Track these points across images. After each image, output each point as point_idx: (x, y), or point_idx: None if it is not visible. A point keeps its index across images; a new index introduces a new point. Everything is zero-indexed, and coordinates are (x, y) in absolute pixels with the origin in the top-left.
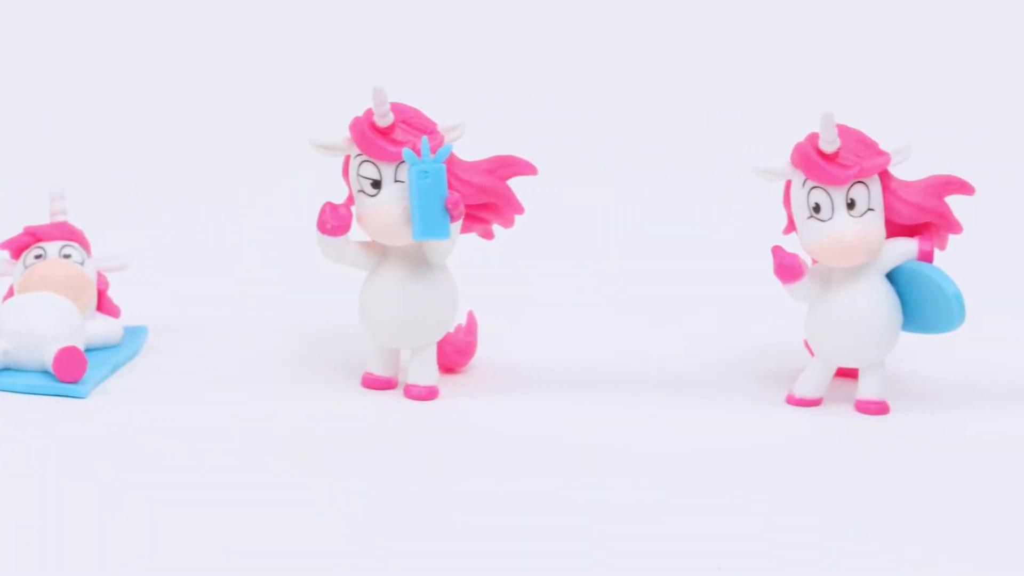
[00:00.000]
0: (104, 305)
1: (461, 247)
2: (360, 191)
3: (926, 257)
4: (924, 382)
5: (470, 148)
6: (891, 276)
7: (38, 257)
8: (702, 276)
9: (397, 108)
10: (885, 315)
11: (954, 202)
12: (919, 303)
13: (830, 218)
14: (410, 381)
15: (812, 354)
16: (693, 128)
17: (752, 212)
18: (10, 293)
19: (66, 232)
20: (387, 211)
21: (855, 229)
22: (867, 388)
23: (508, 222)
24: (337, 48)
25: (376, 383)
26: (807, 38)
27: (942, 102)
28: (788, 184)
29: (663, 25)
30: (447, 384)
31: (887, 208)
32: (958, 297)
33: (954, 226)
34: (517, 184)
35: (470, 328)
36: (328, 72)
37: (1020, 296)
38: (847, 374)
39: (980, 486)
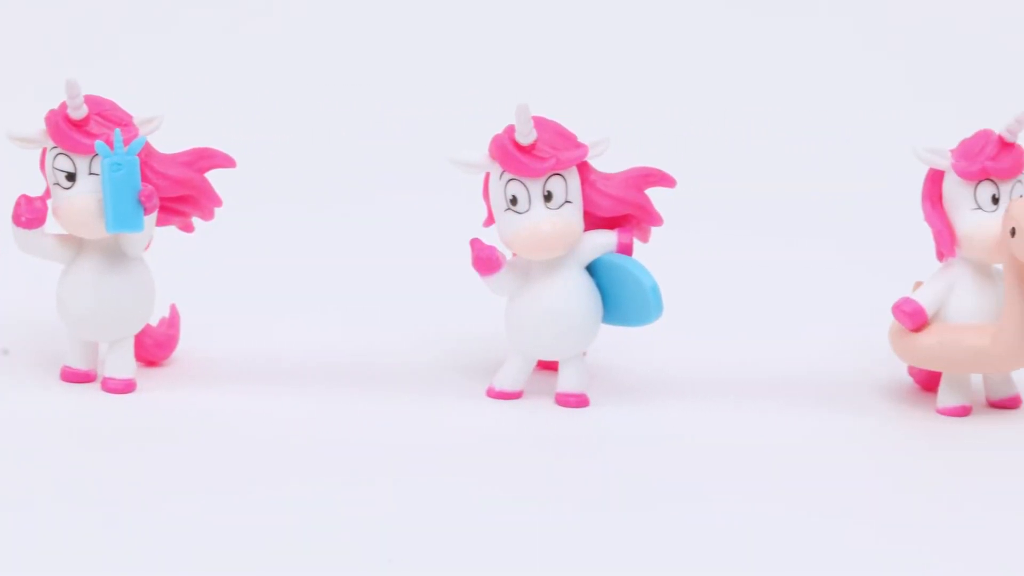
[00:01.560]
0: None
1: (165, 240)
2: (55, 184)
3: (625, 250)
4: (624, 375)
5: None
6: (591, 269)
7: None
8: (402, 270)
9: (92, 101)
10: (583, 308)
11: (655, 194)
12: (618, 296)
13: (527, 210)
14: (107, 374)
15: None
16: (403, 120)
17: (452, 205)
18: None
19: None
20: (81, 204)
21: (552, 221)
22: (566, 381)
23: (207, 215)
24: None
25: (74, 376)
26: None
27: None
28: (487, 176)
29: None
30: (146, 377)
31: (586, 200)
32: (655, 290)
33: (654, 218)
34: (216, 176)
35: (172, 321)
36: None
37: (720, 289)
38: (549, 367)
39: (677, 480)
